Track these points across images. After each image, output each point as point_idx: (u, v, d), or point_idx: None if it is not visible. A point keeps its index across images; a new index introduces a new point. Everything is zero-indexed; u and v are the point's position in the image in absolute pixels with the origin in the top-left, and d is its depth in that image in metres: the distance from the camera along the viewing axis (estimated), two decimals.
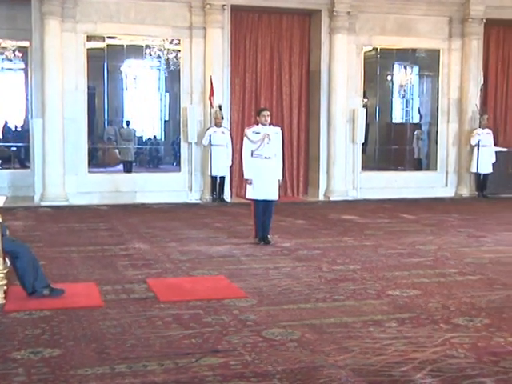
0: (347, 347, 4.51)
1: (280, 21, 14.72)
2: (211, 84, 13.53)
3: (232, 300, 5.77)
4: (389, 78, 16.56)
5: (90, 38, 13.52)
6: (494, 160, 15.08)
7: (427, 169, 16.31)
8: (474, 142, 15.04)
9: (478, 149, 14.94)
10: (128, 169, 15.53)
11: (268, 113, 8.86)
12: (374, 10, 14.70)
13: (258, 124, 8.83)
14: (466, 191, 15.43)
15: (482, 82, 15.27)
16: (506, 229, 10.27)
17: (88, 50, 13.47)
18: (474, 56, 15.18)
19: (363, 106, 15.15)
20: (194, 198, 13.97)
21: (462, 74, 15.28)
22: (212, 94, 13.54)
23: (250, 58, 14.69)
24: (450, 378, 3.96)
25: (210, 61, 13.72)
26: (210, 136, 13.60)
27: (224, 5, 13.65)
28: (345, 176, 14.68)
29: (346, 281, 6.58)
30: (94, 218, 11.50)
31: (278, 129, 8.99)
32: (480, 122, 15.13)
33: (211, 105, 13.62)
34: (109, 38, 13.83)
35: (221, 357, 4.30)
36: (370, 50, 15.55)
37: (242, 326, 4.99)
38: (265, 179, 8.68)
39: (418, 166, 16.88)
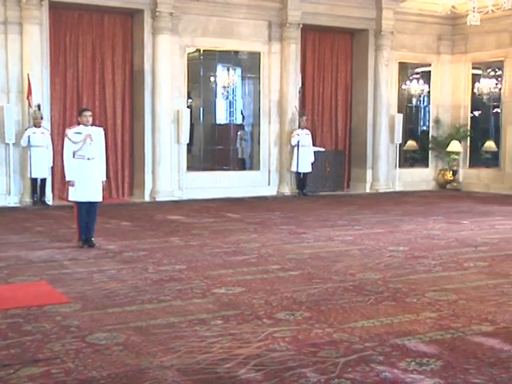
0: (173, 347, 4.52)
1: (101, 20, 14.43)
2: (29, 83, 12.99)
3: (54, 306, 5.58)
4: (212, 79, 16.79)
5: None
6: (312, 159, 15.78)
7: (251, 168, 16.73)
8: (293, 142, 15.64)
9: (298, 149, 15.56)
10: None
11: (90, 113, 8.69)
12: (197, 11, 14.83)
13: (79, 124, 8.62)
14: (287, 190, 16.00)
15: (301, 85, 15.92)
16: (325, 225, 10.77)
17: None
18: (293, 59, 15.78)
19: (187, 107, 15.25)
20: (12, 201, 13.34)
21: (282, 77, 15.83)
22: (30, 93, 13.00)
23: (70, 57, 14.26)
24: (273, 371, 4.08)
25: (27, 58, 13.16)
26: (29, 137, 13.06)
27: (42, 0, 13.15)
28: (170, 176, 14.69)
29: (172, 281, 6.59)
30: None
31: (101, 129, 8.85)
32: (299, 123, 15.76)
33: (29, 104, 13.08)
34: None
35: (42, 366, 4.14)
36: (194, 51, 15.69)
37: (65, 333, 4.84)
38: (88, 180, 8.49)
39: (241, 165, 17.28)
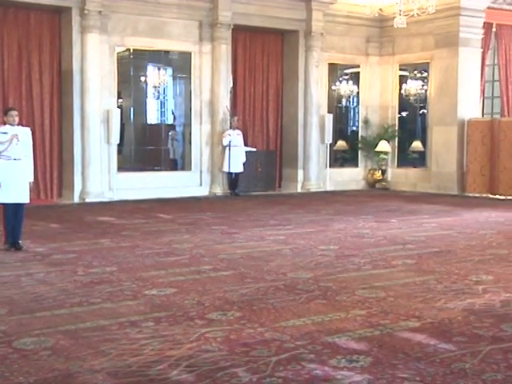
0: (104, 350, 4.46)
1: (28, 17, 14.07)
2: None
3: None
4: (143, 79, 16.64)
5: None
6: (244, 159, 15.83)
7: (182, 169, 16.65)
8: (225, 142, 15.64)
9: (230, 149, 15.56)
10: None
11: (16, 113, 8.49)
12: (127, 10, 14.66)
13: (5, 124, 8.41)
14: (219, 190, 15.99)
15: (232, 85, 15.94)
16: (257, 225, 10.82)
17: None
18: (224, 60, 15.78)
19: (118, 107, 15.06)
20: None
21: (213, 77, 15.81)
22: None
23: None
24: (205, 372, 4.08)
25: None
26: None
27: None
28: (100, 177, 14.47)
29: (102, 283, 6.50)
30: None
31: (28, 129, 8.66)
32: (231, 123, 15.78)
33: None
34: None
35: None
36: (124, 51, 15.51)
37: None
38: (14, 181, 8.28)
39: (173, 166, 17.18)
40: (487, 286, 6.45)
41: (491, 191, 15.99)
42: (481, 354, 4.41)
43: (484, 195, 16.06)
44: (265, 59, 17.05)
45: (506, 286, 6.41)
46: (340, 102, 18.49)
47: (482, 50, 16.70)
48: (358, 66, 18.29)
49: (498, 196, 15.82)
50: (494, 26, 17.01)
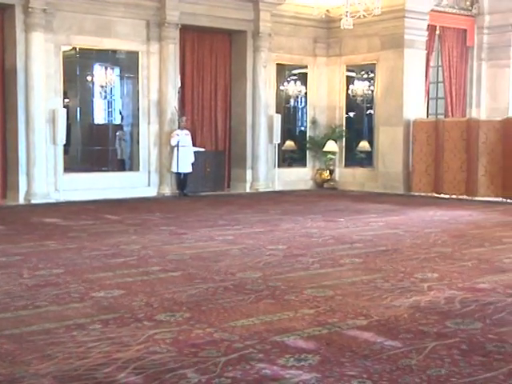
0: (50, 354, 4.38)
1: None
2: None
3: None
4: (89, 78, 16.43)
5: None
6: (192, 160, 15.79)
7: (130, 169, 16.50)
8: (173, 142, 15.56)
9: (178, 149, 15.49)
10: None
11: None
12: (72, 8, 14.46)
13: None
14: (167, 190, 15.91)
15: (180, 85, 15.87)
16: (205, 225, 10.79)
17: None
18: (172, 60, 15.71)
19: (64, 107, 14.84)
20: None
21: (161, 77, 15.72)
22: None
23: None
24: (154, 374, 4.05)
25: None
26: None
27: None
28: (46, 178, 14.24)
29: (48, 286, 6.39)
30: None
31: None
32: (179, 124, 15.71)
33: None
34: None
35: None
36: (70, 50, 15.29)
37: None
38: None
39: (121, 166, 17.02)
40: (432, 283, 6.57)
41: (436, 190, 16.29)
42: (426, 350, 4.49)
43: (429, 194, 16.35)
44: (213, 59, 17.02)
45: (450, 284, 6.55)
46: (288, 102, 18.59)
47: (426, 51, 17.01)
48: (306, 67, 18.42)
49: (442, 195, 16.13)
50: (437, 28, 17.38)
